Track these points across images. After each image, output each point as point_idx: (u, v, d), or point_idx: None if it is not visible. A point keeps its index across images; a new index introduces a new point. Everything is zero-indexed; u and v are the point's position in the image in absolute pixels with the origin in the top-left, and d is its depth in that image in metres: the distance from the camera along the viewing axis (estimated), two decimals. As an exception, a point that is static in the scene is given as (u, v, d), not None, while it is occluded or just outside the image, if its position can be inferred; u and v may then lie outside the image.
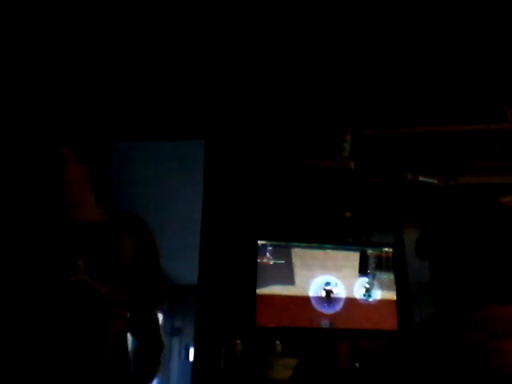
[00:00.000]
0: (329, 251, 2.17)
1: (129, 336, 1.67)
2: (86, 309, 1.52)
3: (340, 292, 2.11)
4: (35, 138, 1.60)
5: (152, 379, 1.72)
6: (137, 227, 1.68)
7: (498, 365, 0.99)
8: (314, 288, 2.10)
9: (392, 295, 2.13)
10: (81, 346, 1.50)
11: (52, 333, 1.49)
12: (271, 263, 2.11)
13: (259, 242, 2.13)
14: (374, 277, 2.14)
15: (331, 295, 2.10)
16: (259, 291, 2.05)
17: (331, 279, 2.12)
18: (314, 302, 2.08)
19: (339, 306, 2.09)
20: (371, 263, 2.17)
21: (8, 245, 1.55)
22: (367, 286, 2.12)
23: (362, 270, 2.14)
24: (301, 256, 2.14)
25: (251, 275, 2.08)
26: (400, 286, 2.16)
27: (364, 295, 2.11)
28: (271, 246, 2.13)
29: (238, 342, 2.03)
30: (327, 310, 2.08)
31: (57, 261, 1.51)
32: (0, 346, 1.51)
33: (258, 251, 2.12)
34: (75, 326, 1.50)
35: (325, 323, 2.06)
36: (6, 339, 1.51)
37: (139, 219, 1.70)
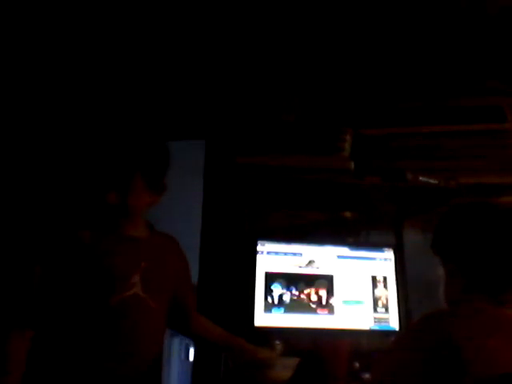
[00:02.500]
0: (328, 251, 2.17)
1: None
2: (141, 323, 1.58)
3: (340, 291, 2.11)
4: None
5: None
6: (178, 246, 1.82)
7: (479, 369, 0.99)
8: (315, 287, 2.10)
9: (391, 295, 2.13)
10: (136, 361, 1.56)
11: (105, 348, 1.53)
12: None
13: (259, 242, 2.14)
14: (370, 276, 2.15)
15: (331, 295, 2.10)
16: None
17: (331, 278, 2.13)
18: (313, 302, 2.08)
19: (339, 306, 2.09)
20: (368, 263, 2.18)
21: (66, 261, 1.59)
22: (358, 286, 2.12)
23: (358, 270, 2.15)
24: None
25: (251, 275, 2.08)
26: (400, 286, 2.16)
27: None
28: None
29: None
30: (327, 310, 2.08)
31: (115, 276, 1.56)
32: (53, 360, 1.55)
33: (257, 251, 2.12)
34: (131, 339, 1.55)
35: (325, 323, 2.06)
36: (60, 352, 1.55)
37: (176, 239, 1.83)
